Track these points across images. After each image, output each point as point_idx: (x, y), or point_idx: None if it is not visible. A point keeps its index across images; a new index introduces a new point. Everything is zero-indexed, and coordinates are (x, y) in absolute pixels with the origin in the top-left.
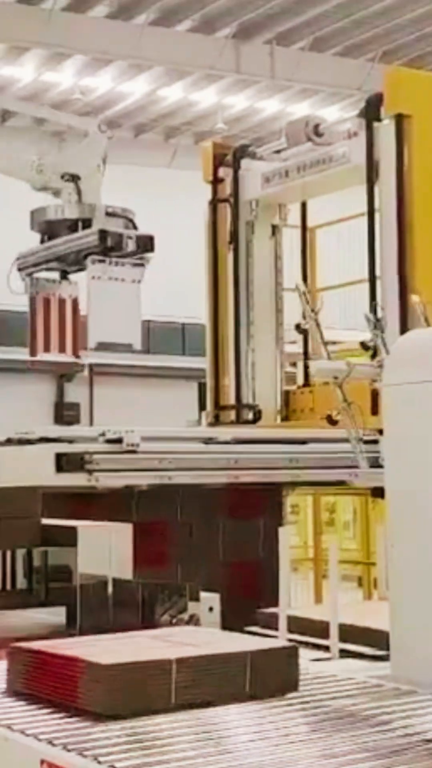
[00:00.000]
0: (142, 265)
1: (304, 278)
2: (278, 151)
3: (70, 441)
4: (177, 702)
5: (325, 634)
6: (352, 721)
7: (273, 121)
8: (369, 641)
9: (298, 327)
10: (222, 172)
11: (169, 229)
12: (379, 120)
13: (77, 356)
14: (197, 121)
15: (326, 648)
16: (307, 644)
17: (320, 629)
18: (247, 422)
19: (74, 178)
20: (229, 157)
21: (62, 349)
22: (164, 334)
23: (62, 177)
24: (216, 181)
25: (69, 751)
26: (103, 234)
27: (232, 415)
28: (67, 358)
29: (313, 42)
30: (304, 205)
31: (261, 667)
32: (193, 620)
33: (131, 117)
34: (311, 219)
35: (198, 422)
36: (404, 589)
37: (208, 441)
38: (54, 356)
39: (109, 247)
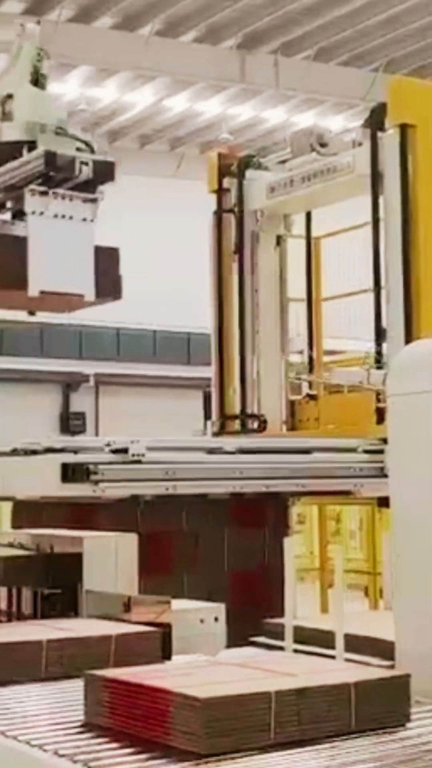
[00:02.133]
0: (94, 200)
1: (309, 288)
2: (283, 161)
3: (76, 451)
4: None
5: (330, 644)
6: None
7: (277, 131)
8: (375, 651)
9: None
10: (227, 182)
11: (174, 239)
12: (383, 130)
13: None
14: (202, 131)
15: (332, 658)
16: (312, 654)
17: (326, 639)
18: (252, 432)
19: (7, 99)
20: (233, 168)
21: None
22: (170, 344)
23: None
24: (221, 191)
25: None
26: (49, 156)
27: (238, 424)
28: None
29: (318, 52)
30: (308, 215)
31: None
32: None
33: (136, 127)
34: (316, 229)
35: (203, 432)
36: (410, 598)
37: (213, 451)
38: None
39: (57, 174)
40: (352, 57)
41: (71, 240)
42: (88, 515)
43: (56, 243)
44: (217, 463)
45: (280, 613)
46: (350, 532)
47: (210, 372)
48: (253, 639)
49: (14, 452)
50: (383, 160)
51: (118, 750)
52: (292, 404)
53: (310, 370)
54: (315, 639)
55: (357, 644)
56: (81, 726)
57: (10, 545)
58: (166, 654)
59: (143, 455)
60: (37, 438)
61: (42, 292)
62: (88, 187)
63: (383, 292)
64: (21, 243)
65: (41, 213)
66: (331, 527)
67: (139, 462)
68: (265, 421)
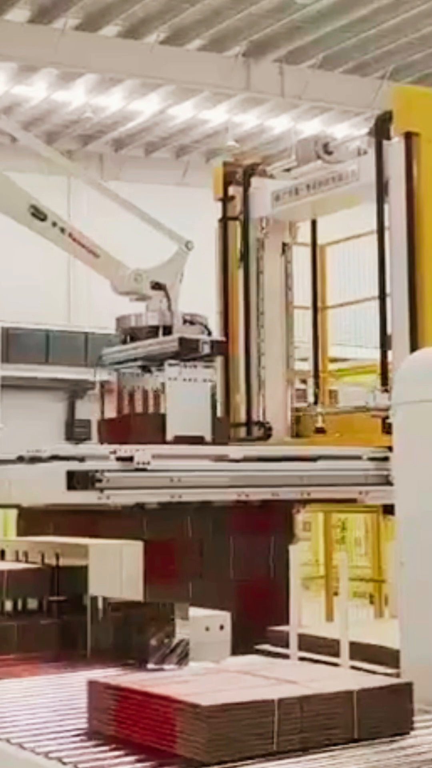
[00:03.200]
0: (212, 366)
1: (314, 296)
2: (288, 170)
3: (81, 459)
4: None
5: (335, 652)
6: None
7: (283, 139)
8: (380, 659)
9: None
10: (232, 190)
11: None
12: (388, 138)
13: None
14: (208, 139)
15: (337, 666)
16: (317, 662)
17: (331, 647)
18: (257, 439)
19: (161, 287)
20: (239, 175)
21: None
22: None
23: (153, 286)
24: (226, 199)
25: None
26: (182, 341)
27: (243, 432)
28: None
29: (323, 60)
30: (314, 223)
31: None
32: (182, 647)
33: (142, 135)
34: (321, 237)
35: None
36: (415, 606)
37: (218, 459)
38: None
39: (185, 353)
40: (357, 65)
41: (196, 395)
42: (94, 523)
43: (185, 398)
44: (222, 471)
45: (285, 621)
46: (355, 540)
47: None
48: (258, 647)
49: (20, 460)
50: (388, 168)
51: (121, 758)
52: (297, 412)
53: (315, 377)
54: (320, 647)
55: (362, 652)
56: (85, 734)
57: (16, 559)
58: None
59: (148, 463)
60: (42, 445)
61: (176, 437)
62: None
63: (388, 300)
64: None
65: (175, 378)
66: (337, 535)
67: (144, 470)
68: (270, 429)
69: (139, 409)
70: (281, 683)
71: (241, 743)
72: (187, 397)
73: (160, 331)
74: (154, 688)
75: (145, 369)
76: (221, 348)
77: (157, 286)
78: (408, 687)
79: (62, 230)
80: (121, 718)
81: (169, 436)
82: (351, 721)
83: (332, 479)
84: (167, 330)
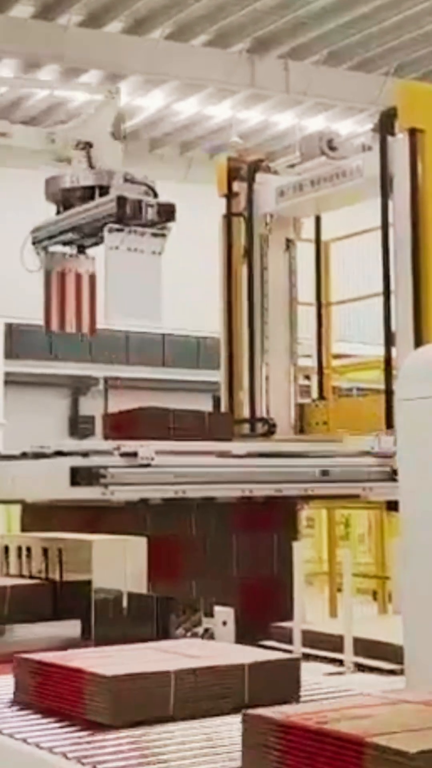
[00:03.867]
0: (163, 235)
1: (318, 292)
2: (292, 165)
3: (85, 455)
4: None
5: (339, 648)
6: None
7: (287, 135)
8: (383, 655)
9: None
10: (236, 186)
11: (183, 243)
12: (393, 134)
13: (93, 333)
14: (212, 135)
15: (340, 662)
16: (321, 658)
17: (335, 643)
18: (261, 436)
19: (87, 146)
20: (243, 171)
21: (78, 326)
22: (179, 348)
23: (76, 146)
24: (230, 195)
25: (69, 759)
26: (121, 201)
27: (247, 428)
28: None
29: (328, 56)
30: (318, 219)
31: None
32: (208, 634)
33: (146, 131)
34: (325, 233)
35: None
36: (418, 602)
37: (222, 455)
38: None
39: (127, 215)
40: (361, 61)
41: (142, 270)
42: (98, 519)
43: (129, 273)
44: (226, 467)
45: (289, 617)
46: (359, 536)
47: (219, 376)
48: (261, 643)
49: (23, 455)
50: (393, 164)
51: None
52: (301, 408)
53: (319, 373)
54: (324, 643)
55: (365, 648)
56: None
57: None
58: None
59: (152, 459)
60: (46, 441)
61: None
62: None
63: (393, 296)
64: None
65: (117, 247)
66: (340, 531)
67: (148, 465)
68: (274, 425)
69: (70, 298)
70: (185, 657)
71: (143, 708)
72: (131, 272)
73: (97, 195)
74: (69, 662)
75: (81, 249)
76: (170, 212)
77: (84, 145)
78: (295, 662)
79: None
80: (38, 688)
81: (109, 318)
82: (242, 692)
83: (337, 475)
84: (105, 192)
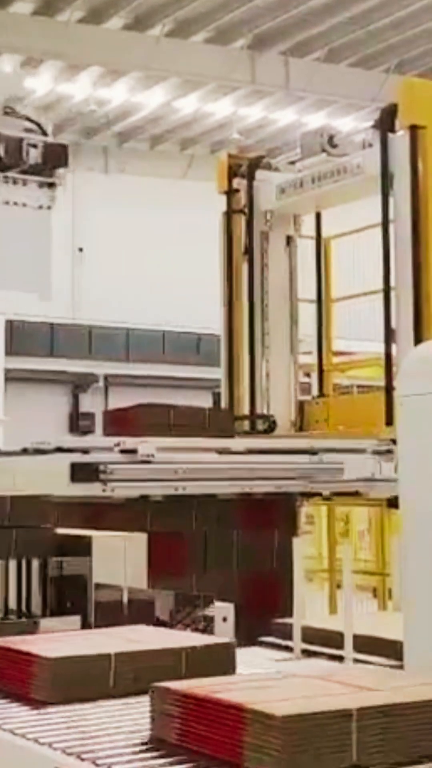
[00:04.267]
0: (52, 184)
1: (319, 289)
2: (293, 162)
3: (85, 451)
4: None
5: (339, 644)
6: None
7: (288, 132)
8: (383, 652)
9: None
10: (237, 182)
11: (183, 240)
12: (393, 131)
13: None
14: (212, 131)
15: (341, 659)
16: (321, 655)
17: (335, 640)
18: (261, 432)
19: None
20: (243, 168)
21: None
22: (179, 345)
23: None
24: (231, 192)
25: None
26: None
27: (247, 425)
28: None
29: (328, 53)
30: (318, 216)
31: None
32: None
33: (146, 128)
34: (326, 230)
35: None
36: (418, 599)
37: (222, 451)
38: None
39: (2, 159)
40: (362, 58)
41: (27, 228)
42: (98, 515)
43: (11, 232)
44: (226, 464)
45: (289, 613)
46: (359, 533)
47: (219, 373)
48: (261, 639)
49: (24, 452)
50: (393, 161)
51: None
52: (301, 404)
53: (320, 370)
54: (323, 639)
55: (365, 645)
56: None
57: None
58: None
59: (152, 455)
60: (46, 438)
61: None
62: (44, 172)
63: (393, 293)
64: None
65: None
66: (340, 528)
67: (148, 462)
68: (274, 422)
69: None
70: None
71: (81, 687)
72: (13, 230)
73: None
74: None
75: None
76: (61, 157)
77: None
78: (229, 645)
79: None
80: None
81: None
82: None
83: (337, 472)
84: None
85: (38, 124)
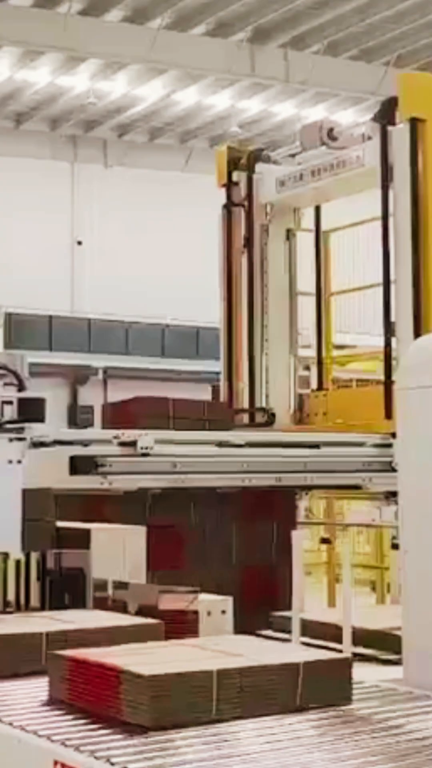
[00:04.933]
0: (23, 438)
1: (318, 282)
2: (293, 155)
3: (84, 444)
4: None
5: (338, 637)
6: (363, 725)
7: (287, 125)
8: (382, 645)
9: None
10: (236, 175)
11: (183, 233)
12: (393, 124)
13: None
14: (212, 124)
15: (339, 652)
16: (319, 647)
17: (333, 633)
18: (260, 425)
19: None
20: (243, 161)
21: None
22: (179, 338)
23: None
24: (230, 185)
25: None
26: None
27: (246, 418)
28: None
29: (328, 46)
30: (318, 209)
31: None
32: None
33: (146, 121)
34: (325, 223)
35: None
36: (417, 593)
37: (221, 444)
38: None
39: None
40: (362, 51)
41: None
42: (97, 508)
43: None
44: (225, 457)
45: (288, 606)
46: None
47: (219, 366)
48: (260, 632)
49: None
50: (393, 154)
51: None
52: (300, 398)
53: (319, 363)
54: (322, 632)
55: (364, 638)
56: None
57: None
58: None
59: (151, 448)
60: (45, 430)
61: None
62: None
63: (393, 287)
64: None
65: None
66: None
67: (147, 455)
68: (273, 415)
69: None
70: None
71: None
72: None
73: None
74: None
75: None
76: (38, 411)
77: None
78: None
79: None
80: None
81: None
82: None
83: (336, 465)
84: None
85: (16, 374)
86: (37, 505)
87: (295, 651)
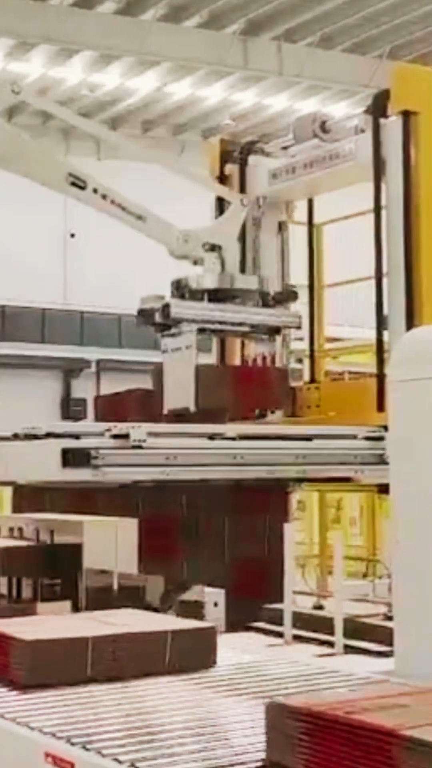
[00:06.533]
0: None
1: (311, 275)
2: (285, 148)
3: (77, 436)
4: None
5: (329, 629)
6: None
7: (280, 118)
8: (374, 637)
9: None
10: (229, 168)
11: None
12: (386, 117)
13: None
14: (205, 117)
15: (331, 644)
16: (312, 640)
17: (325, 624)
18: (253, 418)
19: (215, 248)
20: (236, 154)
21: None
22: None
23: (208, 248)
24: (223, 178)
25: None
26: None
27: None
28: None
29: (321, 38)
30: (310, 202)
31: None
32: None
33: (138, 113)
34: (318, 216)
35: None
36: (409, 585)
37: (213, 437)
38: None
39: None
40: (355, 43)
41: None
42: (89, 500)
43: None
44: (217, 449)
45: (280, 599)
46: (351, 519)
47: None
48: (252, 624)
49: (15, 437)
50: (386, 147)
51: None
52: (293, 390)
53: (311, 356)
54: (314, 625)
55: (356, 630)
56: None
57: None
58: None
59: (144, 441)
60: (37, 423)
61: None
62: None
63: (385, 280)
64: None
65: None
66: (332, 514)
67: (139, 447)
68: None
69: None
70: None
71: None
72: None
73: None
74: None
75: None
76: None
77: (212, 247)
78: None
79: (104, 197)
80: None
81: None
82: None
83: (328, 458)
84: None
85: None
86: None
87: (168, 621)
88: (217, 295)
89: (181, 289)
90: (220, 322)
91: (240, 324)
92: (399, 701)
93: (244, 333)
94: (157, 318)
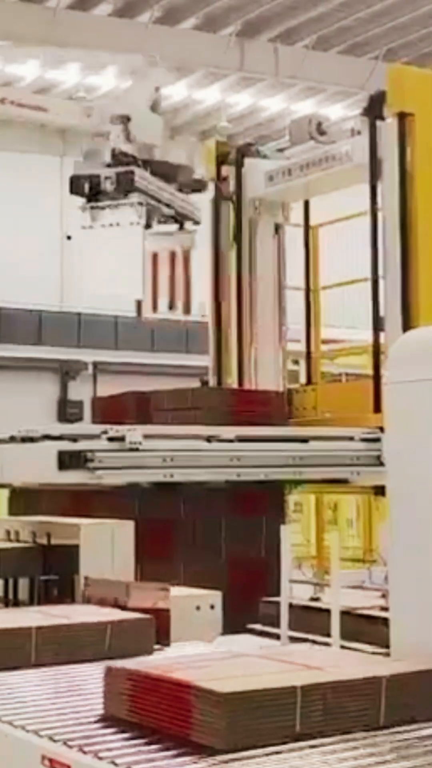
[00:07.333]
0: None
1: (307, 277)
2: (281, 150)
3: (73, 439)
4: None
5: (325, 630)
6: None
7: (276, 120)
8: (370, 637)
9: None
10: (225, 170)
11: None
12: (382, 118)
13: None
14: (201, 119)
15: (327, 645)
16: (307, 641)
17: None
18: None
19: (123, 120)
20: (232, 155)
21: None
22: (168, 332)
23: (114, 119)
24: (219, 180)
25: None
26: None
27: None
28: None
29: (317, 40)
30: (307, 204)
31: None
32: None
33: None
34: (314, 217)
35: None
36: (405, 585)
37: (210, 439)
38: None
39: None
40: (351, 45)
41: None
42: (86, 502)
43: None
44: (214, 451)
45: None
46: (347, 521)
47: (208, 360)
48: (249, 626)
49: (12, 439)
50: (382, 148)
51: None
52: (289, 392)
53: (308, 358)
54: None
55: (352, 630)
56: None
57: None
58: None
59: (140, 443)
60: (34, 425)
61: None
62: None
63: (381, 281)
64: None
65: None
66: (328, 516)
67: (136, 450)
68: None
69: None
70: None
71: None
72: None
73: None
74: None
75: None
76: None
77: (122, 119)
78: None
79: (2, 100)
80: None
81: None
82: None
83: (325, 460)
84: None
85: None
86: None
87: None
88: (152, 168)
89: (116, 156)
90: (157, 199)
91: (167, 205)
92: (214, 663)
93: (165, 216)
94: (108, 186)
